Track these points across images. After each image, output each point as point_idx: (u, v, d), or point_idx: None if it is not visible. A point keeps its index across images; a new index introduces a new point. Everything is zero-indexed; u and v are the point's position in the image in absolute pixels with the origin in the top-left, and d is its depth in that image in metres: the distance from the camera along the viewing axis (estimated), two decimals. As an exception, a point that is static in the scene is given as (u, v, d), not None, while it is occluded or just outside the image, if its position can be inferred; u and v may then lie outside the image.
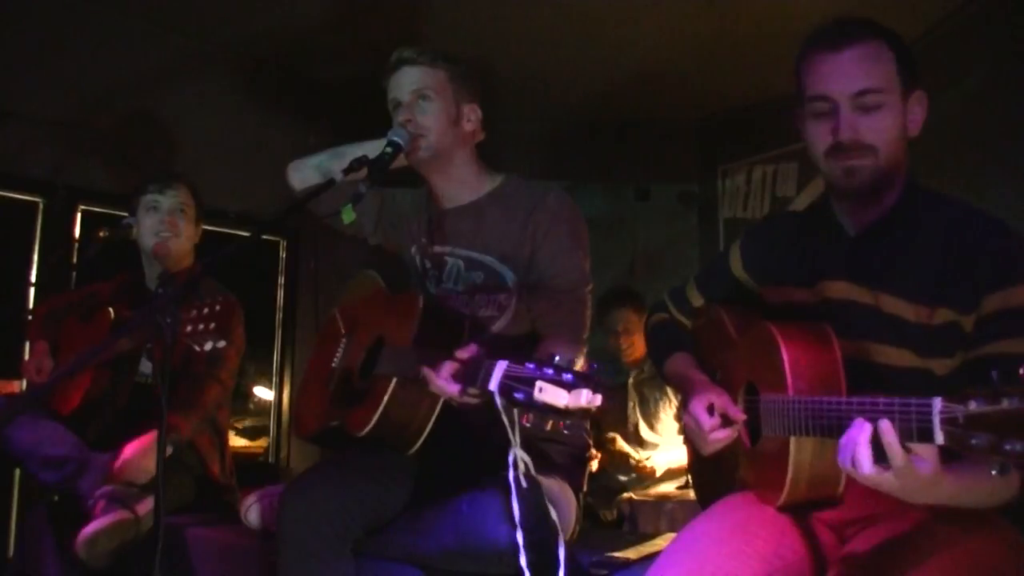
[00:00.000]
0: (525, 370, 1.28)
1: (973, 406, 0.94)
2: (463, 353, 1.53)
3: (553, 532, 1.51)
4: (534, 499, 1.53)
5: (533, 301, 1.93)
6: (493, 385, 1.33)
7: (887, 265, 1.42)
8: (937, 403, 0.99)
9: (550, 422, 1.28)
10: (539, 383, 1.26)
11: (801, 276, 1.54)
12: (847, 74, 1.39)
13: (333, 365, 2.04)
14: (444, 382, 1.54)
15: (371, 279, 2.16)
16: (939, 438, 0.98)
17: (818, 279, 1.50)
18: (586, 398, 1.24)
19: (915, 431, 1.03)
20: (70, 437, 2.37)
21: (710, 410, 1.49)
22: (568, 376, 1.25)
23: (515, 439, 1.42)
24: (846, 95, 1.39)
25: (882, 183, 1.42)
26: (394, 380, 1.74)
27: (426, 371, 1.59)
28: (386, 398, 1.73)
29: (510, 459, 1.45)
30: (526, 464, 1.45)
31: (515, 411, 1.30)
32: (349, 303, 2.18)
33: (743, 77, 4.02)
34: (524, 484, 1.48)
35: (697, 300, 1.81)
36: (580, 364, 1.81)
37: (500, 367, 1.34)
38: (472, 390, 1.47)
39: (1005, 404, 0.91)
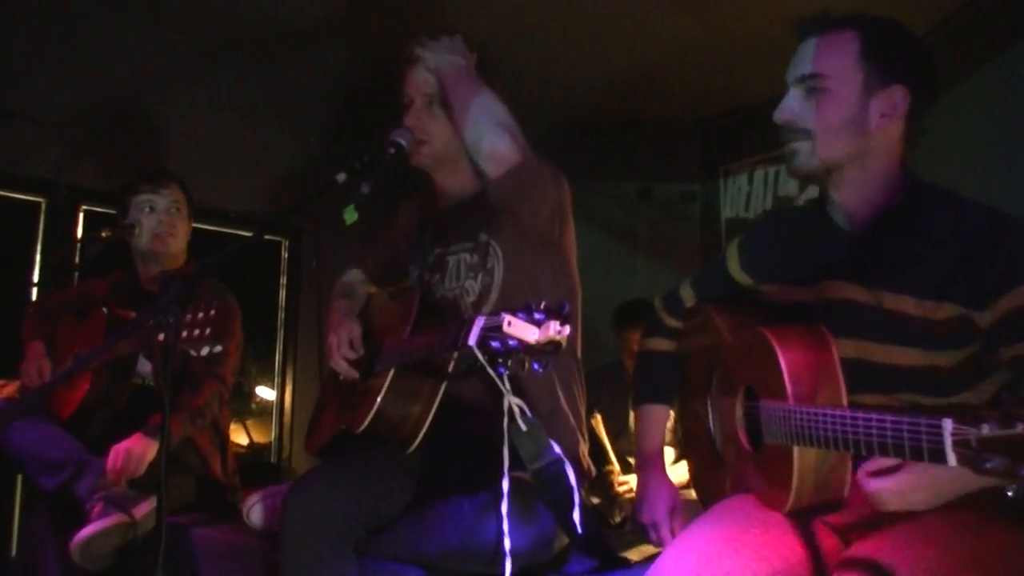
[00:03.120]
0: (499, 319, 1.31)
1: (986, 429, 0.92)
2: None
3: (560, 463, 1.54)
4: (538, 437, 1.55)
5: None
6: (472, 340, 1.34)
7: (889, 262, 1.41)
8: (948, 424, 0.98)
9: (525, 362, 1.30)
10: (507, 317, 1.28)
11: (801, 275, 1.54)
12: (797, 60, 1.46)
13: (341, 379, 2.04)
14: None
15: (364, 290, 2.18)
16: (951, 460, 0.97)
17: (818, 278, 1.50)
18: (554, 328, 1.28)
19: (926, 451, 1.02)
20: (69, 440, 2.36)
21: (671, 513, 1.74)
22: (539, 315, 1.29)
23: (505, 388, 1.44)
24: (792, 79, 1.46)
25: (830, 172, 1.45)
26: (392, 372, 1.75)
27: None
28: (383, 390, 1.74)
29: (504, 408, 1.47)
30: (521, 408, 1.47)
31: (498, 362, 1.33)
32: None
33: (745, 76, 4.01)
34: (524, 428, 1.49)
35: (690, 300, 1.81)
36: (549, 181, 1.83)
37: (479, 322, 1.36)
38: (451, 355, 1.49)
39: (1020, 428, 0.90)
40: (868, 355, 1.40)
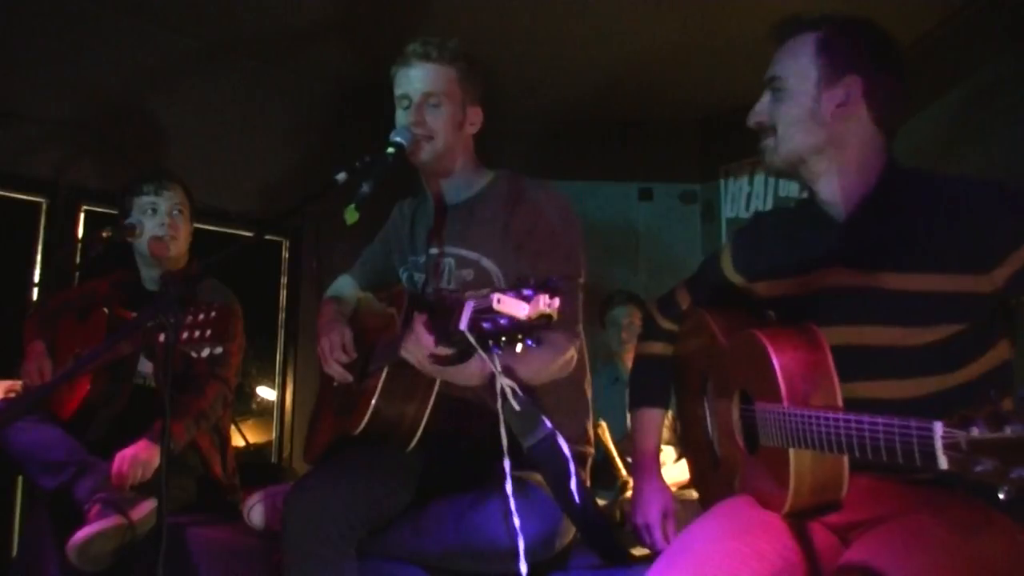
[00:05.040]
0: (488, 300, 1.31)
1: (975, 432, 0.92)
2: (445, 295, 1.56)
3: (552, 436, 1.57)
4: (530, 415, 1.57)
5: None
6: (463, 324, 1.35)
7: (883, 243, 1.43)
8: (938, 428, 0.98)
9: (518, 342, 1.31)
10: (496, 295, 1.29)
11: (794, 269, 1.55)
12: (769, 65, 1.54)
13: (335, 385, 2.05)
14: (420, 332, 1.56)
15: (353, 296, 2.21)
16: (943, 463, 0.97)
17: (812, 269, 1.51)
18: (543, 302, 1.28)
19: (917, 454, 1.02)
20: (69, 441, 2.35)
21: (663, 516, 1.75)
22: (528, 291, 1.29)
23: (497, 368, 1.47)
24: (764, 81, 1.55)
25: (796, 166, 1.52)
26: (385, 370, 1.74)
27: (407, 334, 1.61)
28: (378, 390, 1.74)
29: (497, 390, 1.48)
30: (513, 389, 1.48)
31: (489, 343, 1.33)
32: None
33: (745, 77, 3.99)
34: (517, 407, 1.50)
35: (685, 302, 1.82)
36: (569, 356, 1.84)
37: (468, 306, 1.36)
38: (443, 348, 1.50)
39: (1008, 432, 0.90)
40: (870, 340, 1.41)
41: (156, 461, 2.33)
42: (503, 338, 1.31)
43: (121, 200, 2.68)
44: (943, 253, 1.36)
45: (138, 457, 2.30)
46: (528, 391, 1.62)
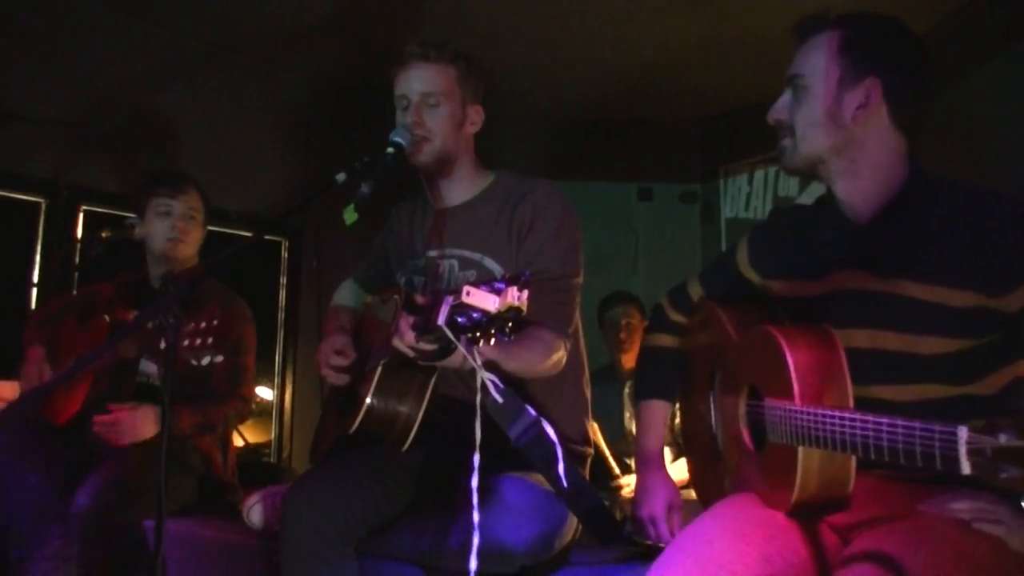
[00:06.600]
0: (463, 295, 1.31)
1: (1003, 439, 0.92)
2: (419, 299, 1.58)
3: (538, 423, 1.58)
4: (512, 406, 1.58)
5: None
6: (441, 319, 1.36)
7: (902, 250, 1.42)
8: (963, 432, 0.98)
9: (491, 336, 1.32)
10: (466, 288, 1.30)
11: (810, 269, 1.54)
12: (790, 63, 1.52)
13: (341, 386, 2.05)
14: (404, 330, 1.56)
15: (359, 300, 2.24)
16: (966, 468, 0.97)
17: (828, 270, 1.50)
18: (512, 295, 1.29)
19: (939, 458, 1.02)
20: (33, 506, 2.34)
21: (669, 509, 1.75)
22: (499, 284, 1.30)
23: (476, 362, 1.49)
24: (784, 80, 1.52)
25: (815, 166, 1.50)
26: (379, 370, 1.75)
27: (394, 332, 1.62)
28: (371, 389, 1.74)
29: (477, 384, 1.50)
30: (493, 382, 1.49)
31: (466, 337, 1.34)
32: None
33: (745, 77, 4.01)
34: (500, 400, 1.52)
35: (698, 295, 1.81)
36: (558, 356, 1.85)
37: (447, 301, 1.37)
38: (427, 339, 1.50)
39: None
40: (883, 344, 1.40)
41: (150, 417, 2.38)
42: (477, 332, 1.32)
43: (137, 198, 2.68)
44: (960, 268, 1.34)
45: (133, 410, 2.34)
46: (512, 383, 1.63)
